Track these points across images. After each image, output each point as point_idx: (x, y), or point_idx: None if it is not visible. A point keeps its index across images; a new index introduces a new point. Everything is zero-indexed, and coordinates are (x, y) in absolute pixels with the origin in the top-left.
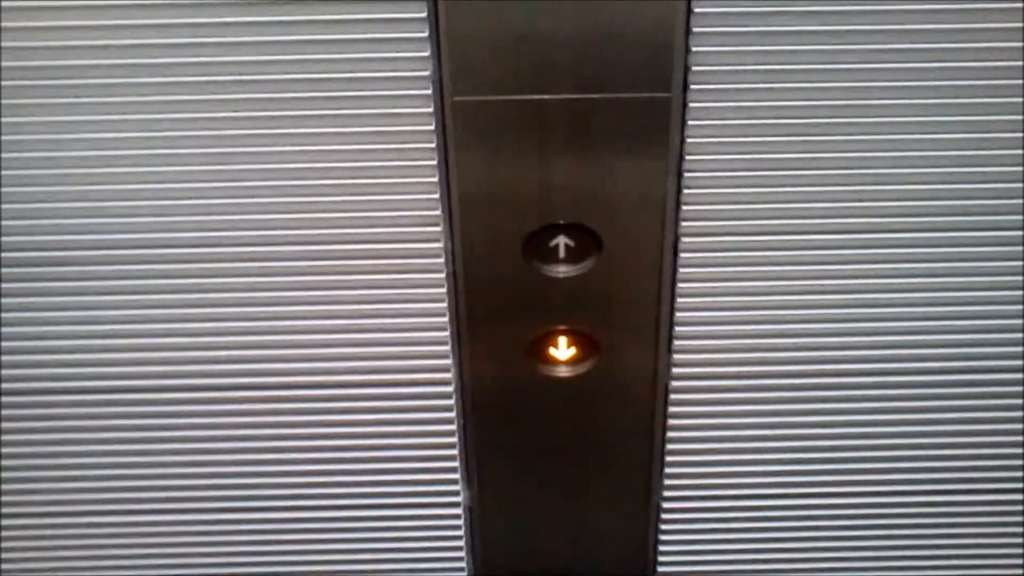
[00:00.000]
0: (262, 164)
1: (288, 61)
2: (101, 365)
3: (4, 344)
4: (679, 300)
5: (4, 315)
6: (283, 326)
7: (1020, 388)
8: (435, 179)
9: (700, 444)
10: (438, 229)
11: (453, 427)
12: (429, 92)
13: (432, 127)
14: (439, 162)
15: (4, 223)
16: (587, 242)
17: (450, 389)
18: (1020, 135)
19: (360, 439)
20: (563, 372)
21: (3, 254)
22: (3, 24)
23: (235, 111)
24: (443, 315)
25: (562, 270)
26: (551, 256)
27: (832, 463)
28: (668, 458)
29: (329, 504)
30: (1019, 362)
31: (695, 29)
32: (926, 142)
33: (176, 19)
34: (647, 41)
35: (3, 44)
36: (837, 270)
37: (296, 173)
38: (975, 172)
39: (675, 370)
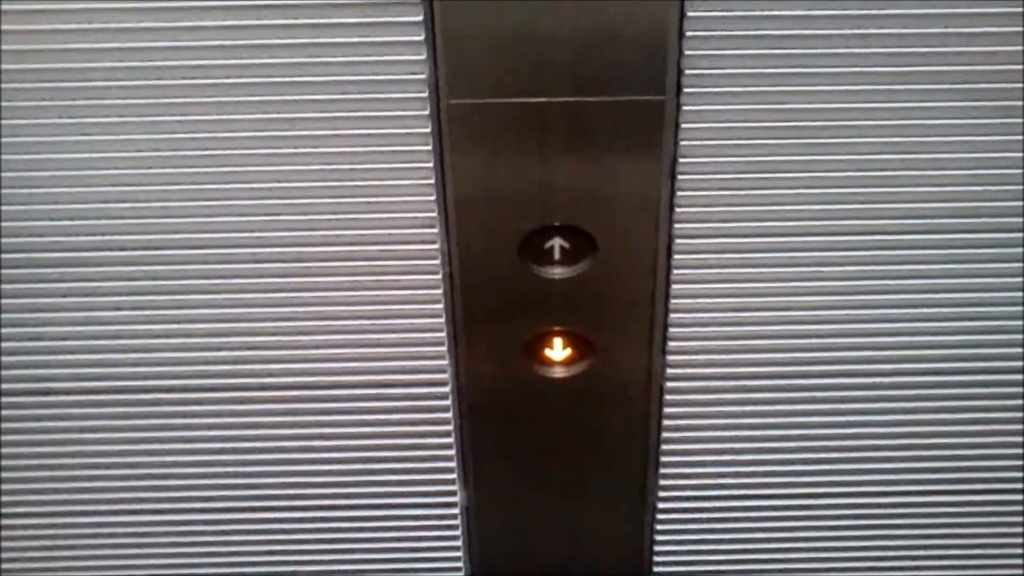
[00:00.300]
0: (259, 166)
1: (284, 63)
2: (98, 366)
3: (4, 344)
4: (673, 301)
5: (4, 315)
6: (279, 327)
7: (1020, 389)
8: (431, 181)
9: (695, 444)
10: (434, 231)
11: (450, 427)
12: (425, 95)
13: (428, 130)
14: (435, 164)
15: (4, 223)
16: (582, 244)
17: (447, 390)
18: (1020, 137)
19: (356, 439)
20: (559, 373)
21: (3, 255)
22: (3, 25)
23: (232, 113)
24: (439, 316)
25: (557, 272)
26: (546, 258)
27: (827, 463)
28: (663, 458)
29: (326, 504)
30: (1019, 363)
31: (688, 32)
32: (921, 144)
33: (172, 21)
34: (641, 44)
35: (3, 45)
36: (831, 271)
37: (292, 175)
38: (972, 175)
39: (670, 371)
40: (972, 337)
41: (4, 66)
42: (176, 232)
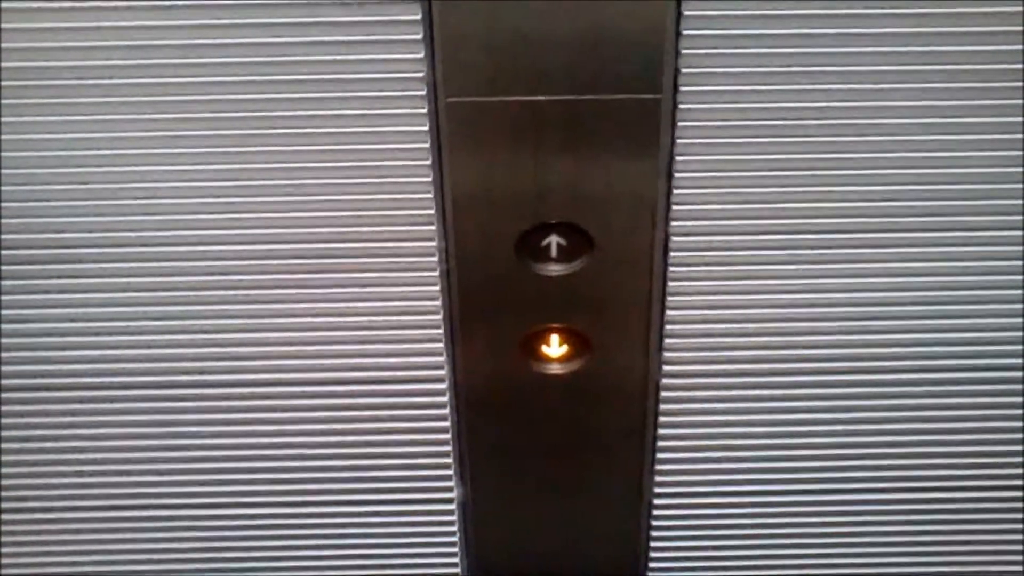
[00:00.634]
0: (258, 164)
1: (283, 62)
2: (96, 362)
3: (4, 341)
4: (670, 299)
5: (4, 312)
6: (278, 323)
7: (1019, 386)
8: (429, 179)
9: (691, 441)
10: (432, 228)
11: (447, 424)
12: (423, 93)
13: (426, 128)
14: (433, 162)
15: (4, 220)
16: (579, 241)
17: (444, 386)
18: (1020, 135)
19: (354, 436)
20: (555, 370)
21: (3, 251)
22: (3, 24)
23: (231, 112)
24: (437, 313)
25: (554, 269)
26: (543, 255)
27: (823, 460)
28: (659, 455)
29: (325, 500)
30: (1019, 360)
31: (685, 32)
32: (916, 143)
33: (172, 20)
34: (637, 43)
35: (3, 44)
36: (827, 269)
37: (291, 173)
38: (968, 174)
39: (666, 368)
40: (969, 335)
41: (4, 65)
42: (174, 229)
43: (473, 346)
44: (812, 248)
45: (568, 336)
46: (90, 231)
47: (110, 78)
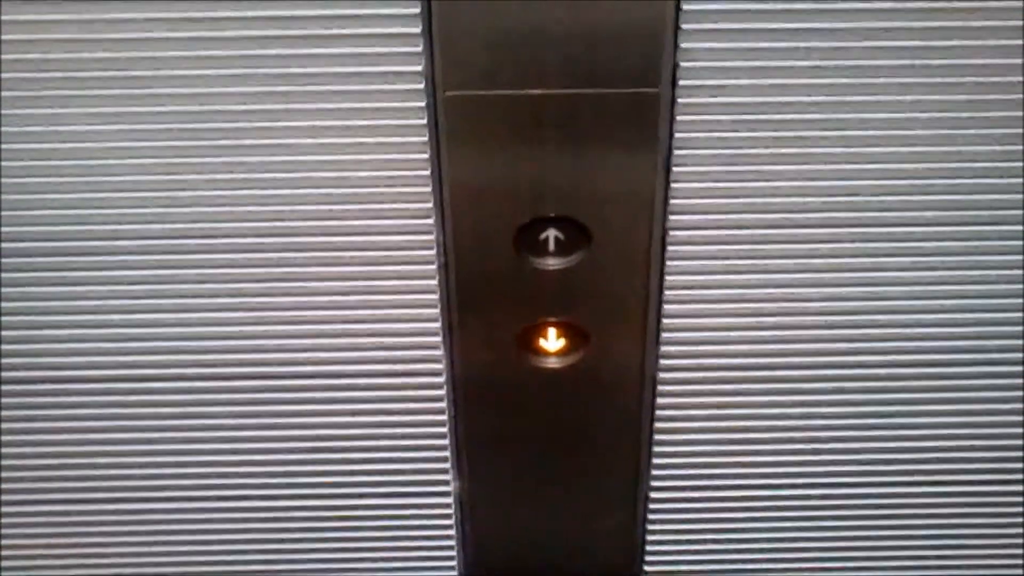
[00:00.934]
0: (256, 157)
1: (282, 56)
2: (95, 355)
3: (4, 333)
4: (667, 293)
5: (4, 304)
6: (276, 316)
7: (1020, 380)
8: (427, 172)
9: (687, 435)
10: (430, 222)
11: (444, 417)
12: (421, 87)
13: (424, 121)
14: (431, 156)
15: (4, 213)
16: (576, 235)
17: (441, 379)
18: (1020, 131)
19: (351, 428)
20: (552, 363)
21: (3, 244)
22: (3, 24)
23: (229, 105)
24: (434, 306)
25: (552, 262)
26: (541, 249)
27: (820, 454)
28: (656, 448)
29: (322, 493)
30: (1019, 355)
31: (684, 26)
32: (915, 137)
33: (170, 13)
34: (636, 37)
35: (3, 43)
36: (824, 263)
37: (290, 166)
38: (968, 168)
39: (663, 362)
40: (970, 329)
41: (4, 63)
42: (173, 223)
43: (470, 339)
44: (810, 242)
45: (565, 330)
46: (91, 224)
47: (110, 73)
